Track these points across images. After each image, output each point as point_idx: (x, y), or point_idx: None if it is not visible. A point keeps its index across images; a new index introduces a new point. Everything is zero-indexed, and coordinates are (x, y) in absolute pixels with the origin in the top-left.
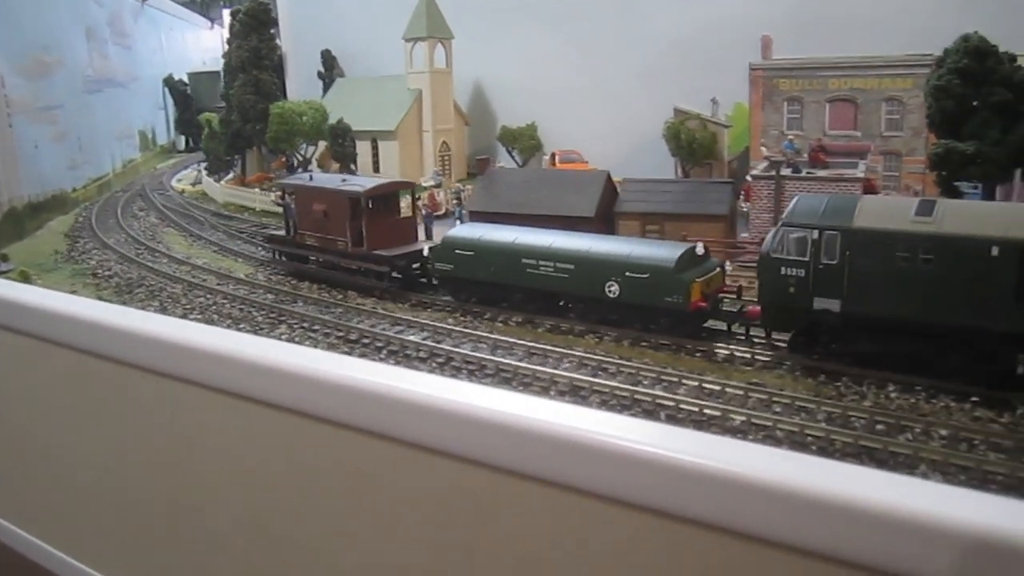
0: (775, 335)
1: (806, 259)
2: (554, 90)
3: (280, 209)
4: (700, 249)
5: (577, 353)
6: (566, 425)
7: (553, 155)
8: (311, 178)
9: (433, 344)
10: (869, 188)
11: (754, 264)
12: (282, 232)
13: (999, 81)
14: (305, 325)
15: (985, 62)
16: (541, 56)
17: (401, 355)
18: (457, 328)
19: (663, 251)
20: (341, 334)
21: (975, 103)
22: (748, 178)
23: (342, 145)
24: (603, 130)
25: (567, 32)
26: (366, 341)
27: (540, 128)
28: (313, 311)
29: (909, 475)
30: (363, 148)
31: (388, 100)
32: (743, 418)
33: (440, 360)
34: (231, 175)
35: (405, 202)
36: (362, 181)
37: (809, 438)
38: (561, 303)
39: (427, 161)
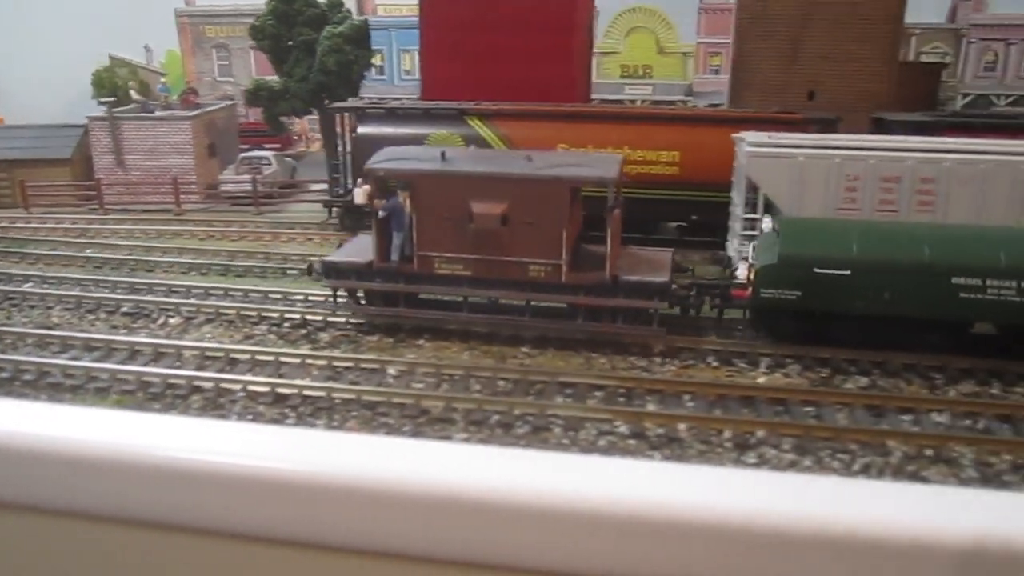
0: None
1: None
2: None
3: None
4: None
5: None
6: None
7: None
8: (444, 156)
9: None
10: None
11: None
12: (362, 256)
13: (306, 22)
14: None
15: (293, 4)
16: None
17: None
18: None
19: None
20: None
21: (290, 43)
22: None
23: None
24: (45, 79)
25: None
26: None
27: None
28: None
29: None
30: None
31: None
32: None
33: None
34: None
35: None
36: (576, 157)
37: None
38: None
39: None
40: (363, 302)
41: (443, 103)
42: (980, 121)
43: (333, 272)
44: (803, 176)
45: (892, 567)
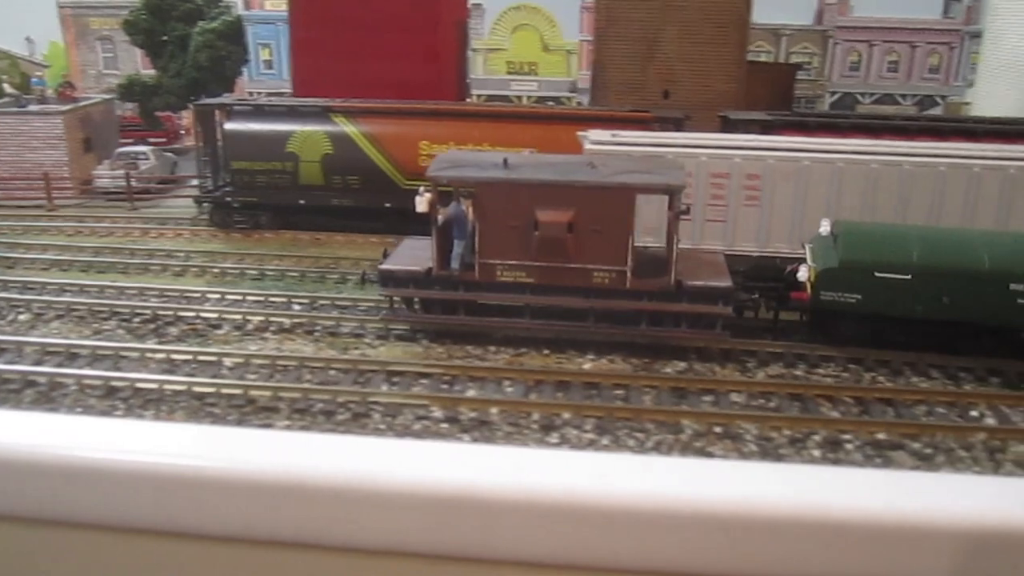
0: None
1: None
2: None
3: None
4: None
5: None
6: None
7: None
8: (506, 163)
9: None
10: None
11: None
12: (418, 264)
13: (180, 18)
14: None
15: None
16: None
17: None
18: None
19: None
20: None
21: (165, 38)
22: None
23: None
24: None
25: None
26: None
27: None
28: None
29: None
30: None
31: None
32: None
33: None
34: None
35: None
36: (638, 163)
37: None
38: None
39: None
40: (418, 309)
41: (309, 100)
42: (814, 120)
43: (390, 280)
44: None
45: (894, 552)
